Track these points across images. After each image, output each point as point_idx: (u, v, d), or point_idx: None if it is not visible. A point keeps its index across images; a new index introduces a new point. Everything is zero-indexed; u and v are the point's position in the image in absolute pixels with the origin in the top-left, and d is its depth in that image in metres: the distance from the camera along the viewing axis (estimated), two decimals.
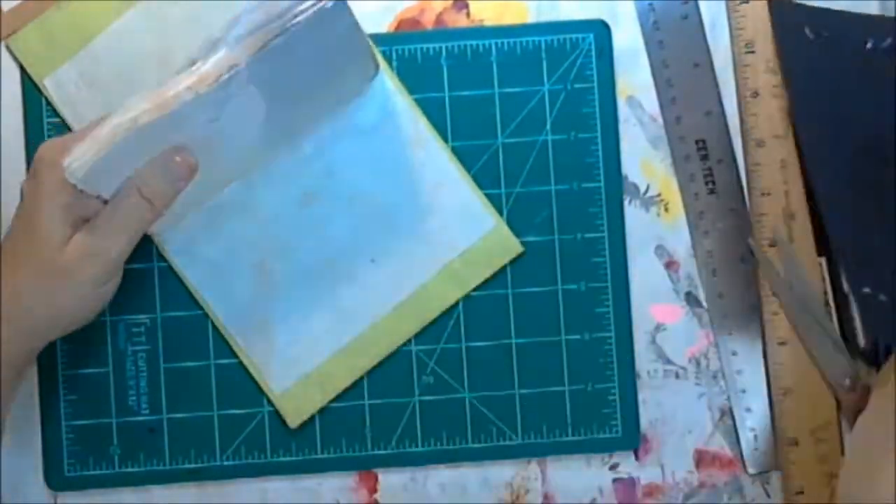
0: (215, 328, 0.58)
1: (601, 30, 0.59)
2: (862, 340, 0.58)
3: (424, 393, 0.59)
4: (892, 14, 0.59)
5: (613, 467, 0.59)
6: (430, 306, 0.58)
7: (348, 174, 0.58)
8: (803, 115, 0.58)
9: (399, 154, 0.58)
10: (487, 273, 0.58)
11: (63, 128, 0.58)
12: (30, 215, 0.50)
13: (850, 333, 0.58)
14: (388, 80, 0.58)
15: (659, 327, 0.59)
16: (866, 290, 0.57)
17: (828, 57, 0.58)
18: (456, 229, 0.58)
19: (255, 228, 0.58)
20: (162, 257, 0.58)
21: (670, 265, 0.60)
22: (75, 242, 0.50)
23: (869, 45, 0.57)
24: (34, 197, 0.49)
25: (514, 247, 0.58)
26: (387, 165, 0.58)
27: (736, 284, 0.59)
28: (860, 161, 0.58)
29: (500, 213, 0.59)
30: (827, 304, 0.58)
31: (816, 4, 0.59)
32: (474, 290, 0.59)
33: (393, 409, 0.59)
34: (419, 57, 0.59)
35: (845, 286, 0.58)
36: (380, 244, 0.58)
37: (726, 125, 0.60)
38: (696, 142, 0.60)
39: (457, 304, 0.59)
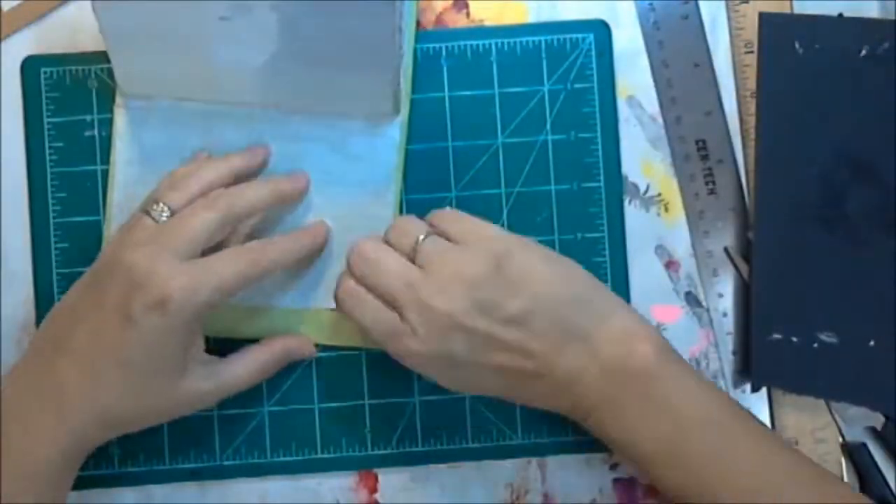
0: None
1: (601, 30, 0.59)
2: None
3: (424, 393, 0.59)
4: (893, 16, 0.59)
5: (613, 467, 0.59)
6: (276, 327, 0.58)
7: (300, 169, 0.58)
8: (769, 136, 0.58)
9: (356, 194, 0.58)
10: (353, 341, 0.58)
11: (62, 130, 0.58)
12: (145, 338, 0.50)
13: None
14: (398, 134, 0.58)
15: (659, 327, 0.59)
16: (777, 335, 0.58)
17: (813, 70, 0.58)
18: None
19: None
20: None
21: (670, 265, 0.60)
22: (194, 387, 0.52)
23: (864, 52, 0.57)
24: (158, 328, 0.49)
25: None
26: (336, 191, 0.58)
27: None
28: (812, 189, 0.58)
29: (500, 212, 0.59)
30: None
31: (816, 9, 0.59)
32: None
33: (393, 409, 0.59)
34: (419, 57, 0.59)
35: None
36: None
37: (726, 125, 0.60)
38: (696, 142, 0.60)
39: None
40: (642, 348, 0.51)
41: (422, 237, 0.52)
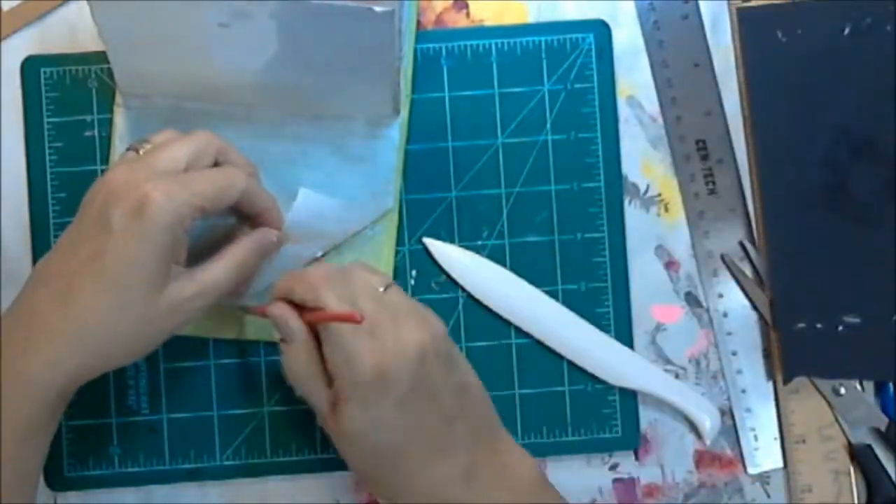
0: None
1: (601, 30, 0.59)
2: None
3: None
4: None
5: (613, 467, 0.59)
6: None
7: (299, 170, 0.58)
8: (764, 127, 0.59)
9: (355, 196, 0.58)
10: None
11: (59, 127, 0.58)
12: (121, 244, 0.47)
13: None
14: (398, 135, 0.58)
15: (659, 327, 0.59)
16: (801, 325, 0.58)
17: (800, 56, 0.58)
18: None
19: None
20: None
21: (670, 265, 0.60)
22: (175, 294, 0.49)
23: (847, 31, 0.57)
24: (135, 233, 0.47)
25: None
26: (336, 192, 0.57)
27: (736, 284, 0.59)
28: (815, 176, 0.58)
29: (500, 212, 0.59)
30: None
31: None
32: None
33: None
34: (419, 57, 0.59)
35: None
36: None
37: (726, 125, 0.60)
38: (696, 142, 0.60)
39: (456, 303, 0.59)
40: (531, 464, 0.53)
41: (381, 288, 0.52)
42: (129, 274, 0.47)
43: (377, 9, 0.47)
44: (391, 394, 0.49)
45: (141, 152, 0.51)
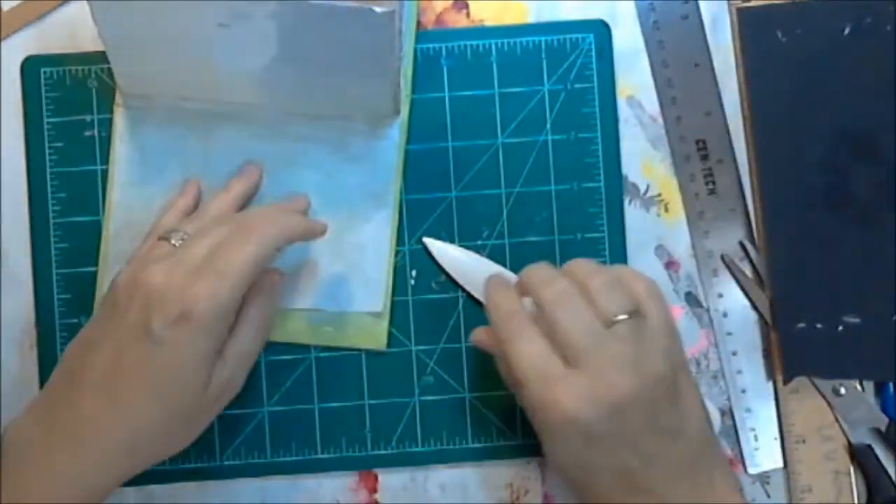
0: None
1: (601, 30, 0.59)
2: None
3: (424, 393, 0.59)
4: None
5: None
6: (274, 327, 0.58)
7: (299, 170, 0.58)
8: (764, 128, 0.59)
9: (355, 196, 0.58)
10: (339, 342, 0.58)
11: (58, 127, 0.58)
12: (170, 354, 0.47)
13: None
14: (398, 135, 0.58)
15: None
16: (801, 325, 0.58)
17: (800, 56, 0.58)
18: (345, 288, 0.58)
19: None
20: None
21: (670, 265, 0.60)
22: (219, 380, 0.50)
23: (847, 30, 0.57)
24: (183, 341, 0.47)
25: (380, 339, 0.58)
26: (336, 192, 0.58)
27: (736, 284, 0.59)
28: (815, 176, 0.58)
29: (500, 212, 0.59)
30: None
31: None
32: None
33: (393, 409, 0.59)
34: (419, 57, 0.59)
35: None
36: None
37: (726, 125, 0.60)
38: (696, 142, 0.60)
39: (456, 303, 0.59)
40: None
41: (623, 317, 0.48)
42: (179, 383, 0.48)
43: (377, 10, 0.47)
44: (581, 434, 0.47)
45: (175, 243, 0.51)
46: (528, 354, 0.49)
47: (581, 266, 0.51)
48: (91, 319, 0.51)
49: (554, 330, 0.48)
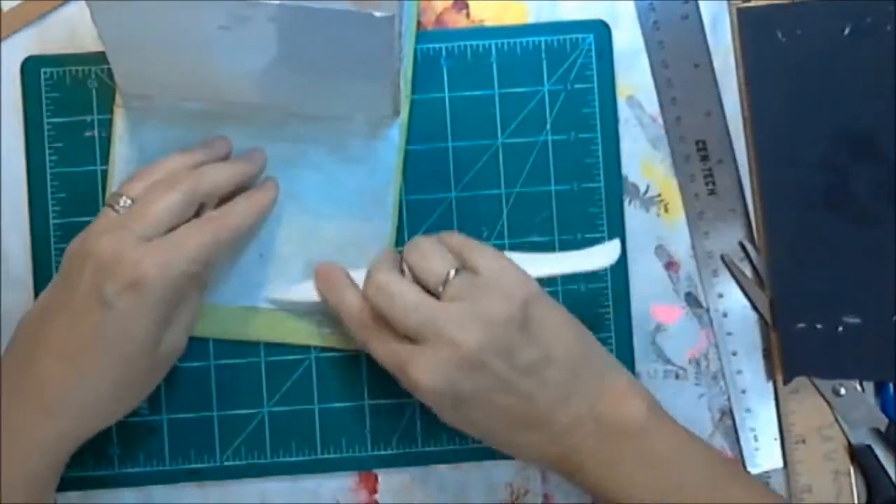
0: None
1: (601, 30, 0.59)
2: None
3: None
4: None
5: None
6: (274, 327, 0.58)
7: (299, 171, 0.58)
8: (764, 128, 0.59)
9: (355, 196, 0.58)
10: (339, 342, 0.58)
11: (62, 129, 0.58)
12: (123, 321, 0.49)
13: None
14: (398, 136, 0.58)
15: (659, 327, 0.59)
16: (801, 325, 0.58)
17: (800, 56, 0.58)
18: None
19: None
20: None
21: (670, 265, 0.60)
22: (169, 341, 0.52)
23: (847, 30, 0.57)
24: (135, 309, 0.49)
25: None
26: (336, 193, 0.58)
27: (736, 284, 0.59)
28: (815, 176, 0.58)
29: (500, 213, 0.59)
30: None
31: None
32: None
33: (393, 409, 0.59)
34: (419, 57, 0.59)
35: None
36: (273, 246, 0.58)
37: (726, 125, 0.60)
38: (696, 142, 0.60)
39: None
40: (636, 404, 0.51)
41: (452, 272, 0.51)
42: (134, 347, 0.50)
43: (377, 14, 0.47)
44: (450, 399, 0.50)
45: (119, 209, 0.52)
46: (381, 350, 0.52)
47: (407, 245, 0.54)
48: (45, 289, 0.53)
49: (390, 320, 0.51)
